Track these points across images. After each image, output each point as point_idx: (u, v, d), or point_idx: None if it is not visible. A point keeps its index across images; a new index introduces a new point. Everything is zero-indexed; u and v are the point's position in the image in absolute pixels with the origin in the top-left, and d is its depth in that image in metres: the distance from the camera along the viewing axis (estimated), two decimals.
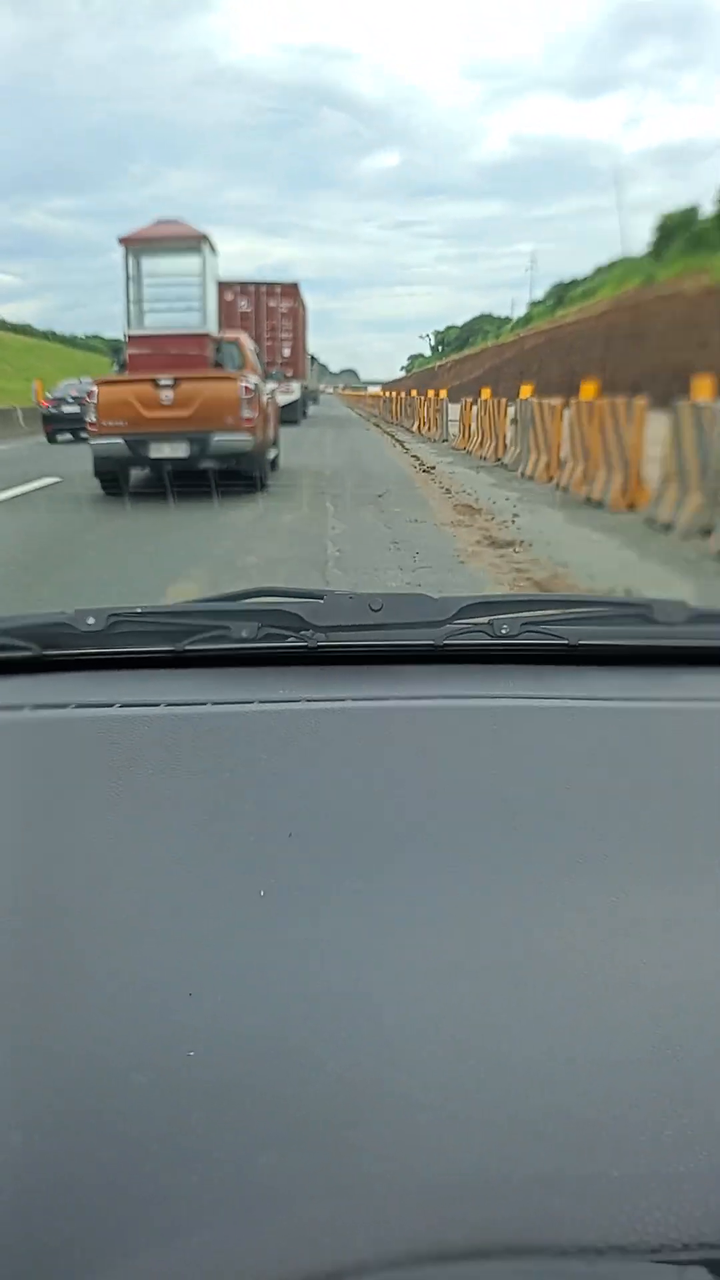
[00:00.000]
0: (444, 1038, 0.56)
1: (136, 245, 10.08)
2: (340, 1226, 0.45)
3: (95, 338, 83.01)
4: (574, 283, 53.03)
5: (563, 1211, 0.46)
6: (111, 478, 9.70)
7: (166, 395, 9.26)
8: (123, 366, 10.24)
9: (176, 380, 9.30)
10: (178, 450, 9.28)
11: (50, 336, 72.98)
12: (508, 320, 78.61)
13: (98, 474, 9.79)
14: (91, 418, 9.42)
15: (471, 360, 65.45)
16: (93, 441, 9.51)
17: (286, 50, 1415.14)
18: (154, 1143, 0.50)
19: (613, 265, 49.51)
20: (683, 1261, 0.45)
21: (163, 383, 9.29)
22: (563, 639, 1.05)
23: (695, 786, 0.83)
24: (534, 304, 67.14)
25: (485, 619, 1.06)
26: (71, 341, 75.11)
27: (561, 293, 53.80)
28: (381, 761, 0.86)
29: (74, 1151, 0.49)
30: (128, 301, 10.05)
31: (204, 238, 10.14)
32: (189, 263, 10.09)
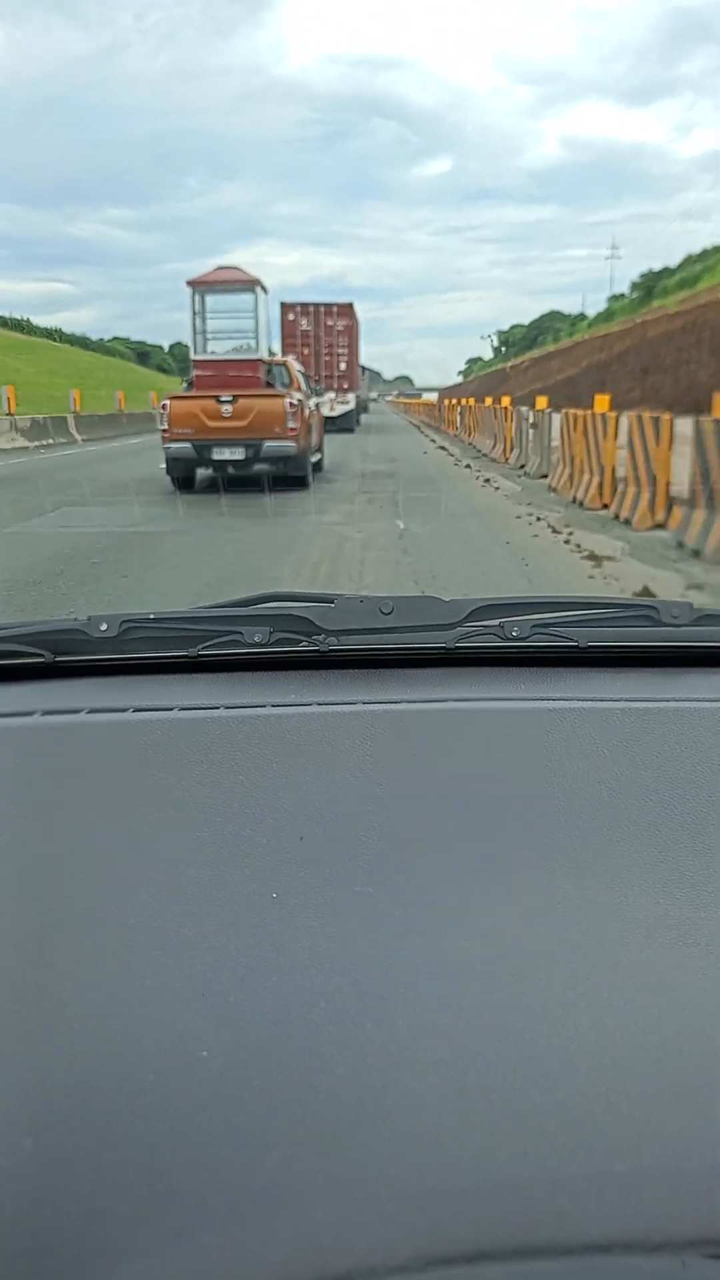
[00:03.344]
0: (452, 1040, 0.57)
1: (202, 287, 12.26)
2: (348, 1227, 0.46)
3: (118, 339, 75.99)
4: (666, 271, 49.35)
5: (568, 1210, 0.46)
6: (181, 475, 11.84)
7: (226, 409, 11.34)
8: (190, 385, 12.44)
9: (235, 397, 11.40)
10: (236, 454, 11.41)
11: (57, 336, 70.54)
12: (582, 317, 73.22)
13: (169, 473, 11.86)
14: (164, 426, 11.52)
15: (560, 356, 51.43)
16: (166, 445, 11.60)
17: (336, 61, 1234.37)
18: (163, 1142, 0.50)
19: (707, 252, 46.20)
20: (689, 1257, 0.45)
21: (223, 399, 11.38)
22: (573, 641, 1.07)
23: (705, 787, 0.83)
24: (614, 298, 61.59)
25: (495, 621, 1.08)
26: (83, 343, 67.56)
27: (651, 283, 49.69)
28: (393, 764, 0.87)
29: (83, 1151, 0.50)
30: (194, 333, 12.24)
31: (257, 281, 12.24)
32: (244, 300, 12.29)
